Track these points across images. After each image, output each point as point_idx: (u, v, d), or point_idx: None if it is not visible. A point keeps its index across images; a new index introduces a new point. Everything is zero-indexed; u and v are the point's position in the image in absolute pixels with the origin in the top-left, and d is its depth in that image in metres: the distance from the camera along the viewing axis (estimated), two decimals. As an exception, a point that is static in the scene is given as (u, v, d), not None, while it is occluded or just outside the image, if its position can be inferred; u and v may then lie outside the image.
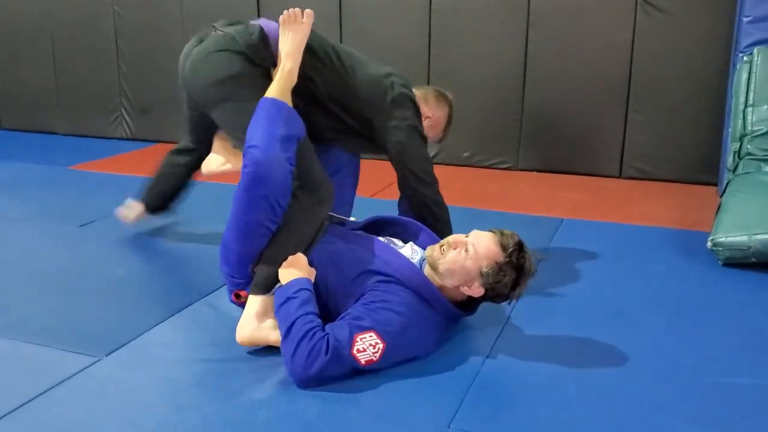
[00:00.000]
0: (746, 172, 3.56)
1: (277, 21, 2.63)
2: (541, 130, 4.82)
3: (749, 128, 3.74)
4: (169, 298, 2.63)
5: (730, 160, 3.77)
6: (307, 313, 2.07)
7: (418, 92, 2.87)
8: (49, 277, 2.84)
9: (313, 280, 2.23)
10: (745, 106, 3.79)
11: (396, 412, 1.88)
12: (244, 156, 2.28)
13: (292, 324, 2.04)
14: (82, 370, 2.08)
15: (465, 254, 2.15)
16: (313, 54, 2.64)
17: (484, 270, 2.13)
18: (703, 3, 4.32)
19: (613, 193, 4.38)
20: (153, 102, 5.68)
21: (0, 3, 6.13)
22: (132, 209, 3.25)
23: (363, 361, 2.01)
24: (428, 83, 4.95)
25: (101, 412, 1.88)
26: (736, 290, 2.77)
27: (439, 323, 2.21)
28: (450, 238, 2.22)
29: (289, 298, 2.12)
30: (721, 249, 2.98)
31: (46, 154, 5.36)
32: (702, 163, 4.47)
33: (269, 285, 2.26)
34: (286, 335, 2.04)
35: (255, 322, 2.20)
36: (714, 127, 4.35)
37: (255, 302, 2.24)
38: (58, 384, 1.99)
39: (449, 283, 2.18)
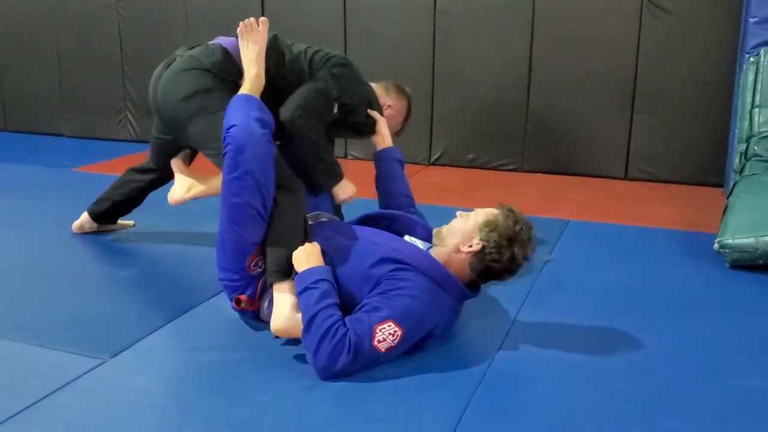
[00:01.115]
0: (753, 174, 3.55)
1: (235, 34, 2.74)
2: (546, 132, 4.82)
3: (756, 129, 3.73)
4: (174, 300, 2.62)
5: (736, 161, 3.76)
6: (328, 306, 2.09)
7: (379, 84, 3.04)
8: (55, 279, 2.84)
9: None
10: (752, 107, 3.78)
11: (402, 414, 1.88)
12: (224, 139, 2.33)
13: (313, 317, 2.06)
14: (87, 372, 2.07)
15: (466, 218, 2.29)
16: (273, 55, 2.75)
17: (481, 222, 2.24)
18: (709, 4, 4.31)
19: (618, 194, 4.37)
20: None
21: (5, 5, 6.15)
22: (81, 220, 3.35)
23: (383, 350, 2.06)
24: (433, 85, 4.97)
25: (106, 414, 1.87)
26: (743, 292, 2.76)
27: (451, 303, 2.24)
28: (456, 213, 2.35)
29: (307, 288, 2.14)
30: (728, 251, 2.97)
31: (51, 156, 5.37)
32: (708, 164, 4.47)
33: (285, 271, 2.28)
34: (307, 328, 2.07)
35: (290, 311, 2.20)
36: (720, 129, 4.34)
37: (286, 293, 2.25)
38: (63, 386, 1.99)
39: (451, 242, 2.26)
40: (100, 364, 2.12)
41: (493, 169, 4.96)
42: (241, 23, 2.67)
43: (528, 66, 4.76)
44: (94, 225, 3.35)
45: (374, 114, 2.96)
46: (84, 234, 3.35)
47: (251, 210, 2.31)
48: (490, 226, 2.22)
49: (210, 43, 2.86)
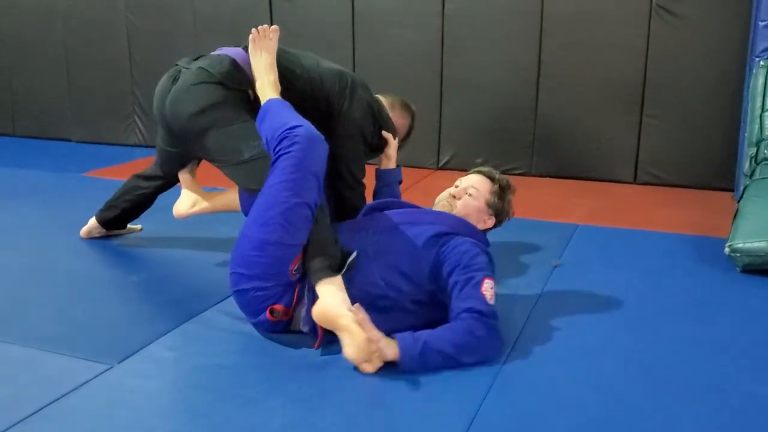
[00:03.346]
0: (763, 177, 3.52)
1: (238, 44, 2.82)
2: (555, 136, 4.80)
3: (766, 133, 3.71)
4: (182, 304, 2.62)
5: (746, 165, 3.73)
6: (442, 332, 2.12)
7: (386, 99, 3.04)
8: (63, 284, 2.84)
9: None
10: (762, 111, 3.76)
11: (411, 420, 1.86)
12: (282, 139, 2.32)
13: (457, 345, 2.09)
14: (94, 377, 2.07)
15: (470, 197, 2.52)
16: (282, 69, 2.76)
17: (490, 201, 2.53)
18: (718, 8, 4.29)
19: (627, 198, 4.35)
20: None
21: (13, 11, 6.18)
22: (89, 224, 3.34)
23: (493, 302, 2.20)
24: (441, 89, 4.96)
25: (114, 420, 1.86)
26: (755, 297, 2.73)
27: None
28: (450, 191, 2.56)
29: (424, 351, 2.06)
30: (739, 255, 2.94)
31: (59, 161, 5.38)
32: (718, 168, 4.44)
33: (333, 269, 2.25)
34: (461, 354, 2.09)
35: (345, 310, 2.12)
36: (730, 132, 4.31)
37: (334, 292, 2.19)
38: (70, 391, 1.98)
39: None
40: (108, 369, 2.12)
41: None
42: (253, 30, 2.68)
43: (537, 71, 4.75)
44: (103, 230, 3.35)
45: (387, 136, 2.99)
46: (92, 239, 3.35)
47: (308, 211, 2.29)
48: (498, 202, 2.53)
49: (215, 53, 2.84)
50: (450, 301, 2.21)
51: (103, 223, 3.31)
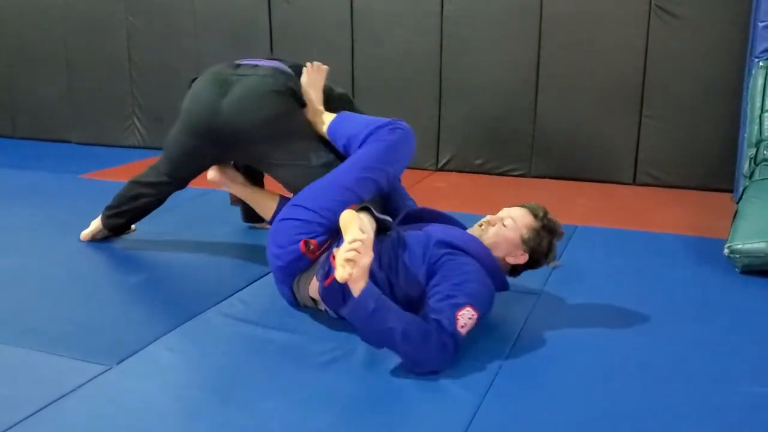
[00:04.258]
0: (762, 178, 3.52)
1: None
2: (554, 137, 4.80)
3: (765, 134, 3.71)
4: (180, 306, 2.61)
5: (746, 166, 3.73)
6: (403, 313, 2.09)
7: None
8: (61, 285, 2.84)
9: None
10: (762, 112, 3.76)
11: (410, 422, 1.87)
12: (388, 123, 2.65)
13: (405, 330, 2.04)
14: (92, 378, 2.07)
15: (505, 227, 2.39)
16: None
17: (525, 237, 2.38)
18: (717, 8, 4.29)
19: (627, 199, 4.35)
20: (165, 110, 5.69)
21: (14, 12, 6.17)
22: (91, 227, 3.32)
23: (464, 333, 2.12)
24: (440, 90, 4.96)
25: (112, 421, 1.86)
26: (754, 298, 2.73)
27: (493, 291, 2.34)
28: (487, 218, 2.46)
29: (374, 311, 2.04)
30: (738, 256, 2.94)
31: (59, 163, 5.38)
32: (717, 169, 4.43)
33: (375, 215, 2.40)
34: (404, 340, 2.04)
35: (368, 228, 2.23)
36: (729, 133, 4.31)
37: (369, 219, 2.33)
38: (69, 393, 1.98)
39: (497, 254, 2.39)
40: (106, 371, 2.11)
41: (501, 174, 4.94)
42: (308, 64, 2.95)
43: (536, 71, 4.75)
44: (106, 234, 3.33)
45: None
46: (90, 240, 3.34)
47: (385, 181, 2.60)
48: (534, 240, 2.39)
49: (272, 65, 2.94)
50: (424, 303, 2.19)
51: (111, 229, 3.29)
